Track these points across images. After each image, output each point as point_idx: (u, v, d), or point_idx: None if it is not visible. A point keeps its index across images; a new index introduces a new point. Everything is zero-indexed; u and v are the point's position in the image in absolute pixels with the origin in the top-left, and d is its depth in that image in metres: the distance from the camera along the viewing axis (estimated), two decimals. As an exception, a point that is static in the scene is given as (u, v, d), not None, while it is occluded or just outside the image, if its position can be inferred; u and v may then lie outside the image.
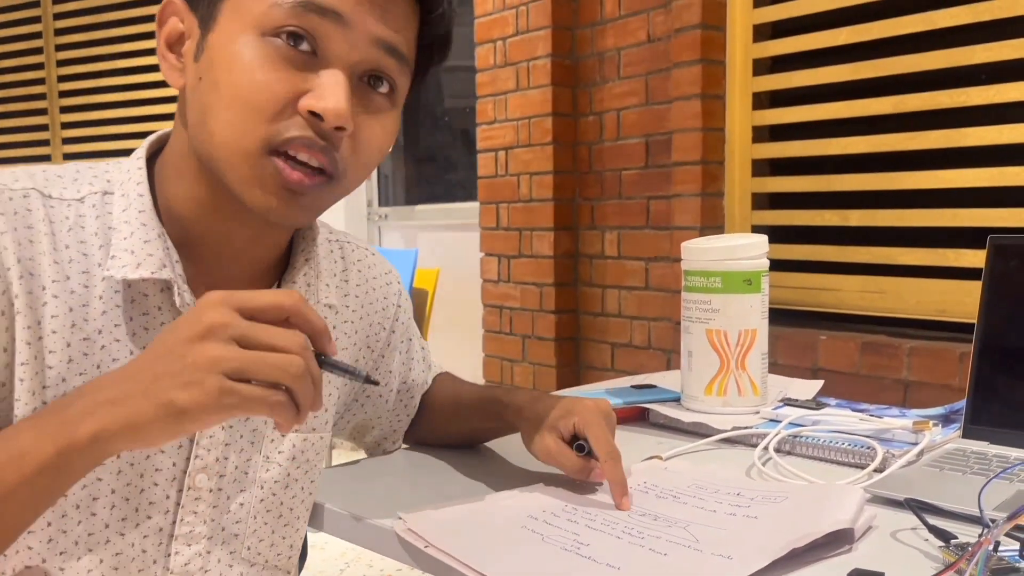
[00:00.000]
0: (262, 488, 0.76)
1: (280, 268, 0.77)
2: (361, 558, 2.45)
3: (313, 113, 0.63)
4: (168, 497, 0.69)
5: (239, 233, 0.71)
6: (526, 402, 0.86)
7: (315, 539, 2.35)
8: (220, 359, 0.53)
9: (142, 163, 0.71)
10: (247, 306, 0.56)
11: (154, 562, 0.69)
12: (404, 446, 0.99)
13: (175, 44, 0.69)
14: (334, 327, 0.83)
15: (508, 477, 0.87)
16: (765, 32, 2.25)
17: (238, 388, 0.53)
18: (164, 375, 0.54)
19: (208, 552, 0.72)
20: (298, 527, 0.81)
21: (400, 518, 0.74)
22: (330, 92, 0.63)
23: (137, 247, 0.66)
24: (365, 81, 0.67)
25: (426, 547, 0.69)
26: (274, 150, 0.64)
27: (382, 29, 0.65)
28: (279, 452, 0.77)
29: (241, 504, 0.74)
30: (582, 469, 0.80)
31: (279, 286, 0.76)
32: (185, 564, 0.71)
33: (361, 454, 0.99)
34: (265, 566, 0.78)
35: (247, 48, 0.63)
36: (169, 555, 0.70)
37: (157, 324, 0.68)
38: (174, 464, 0.70)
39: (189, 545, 0.71)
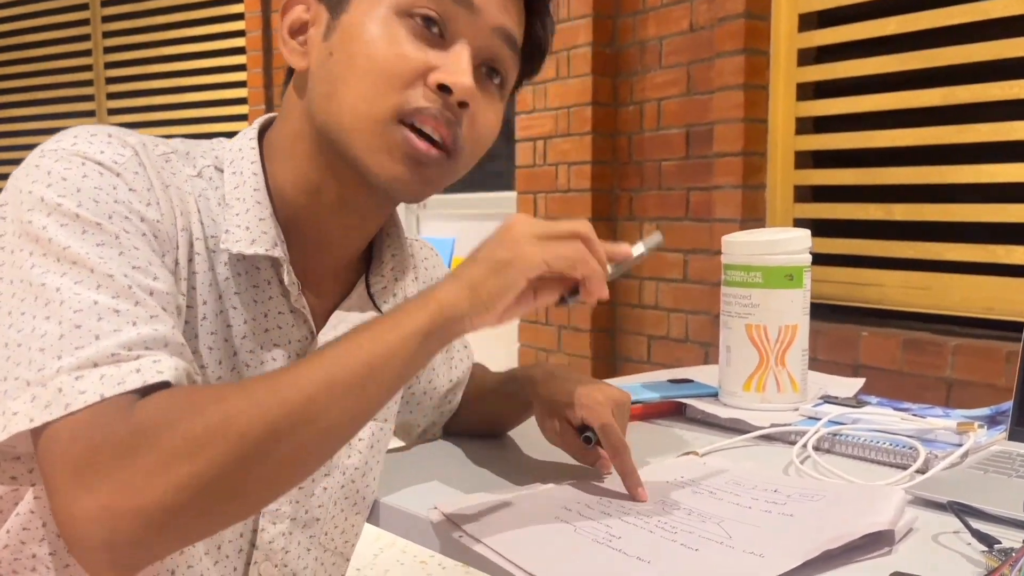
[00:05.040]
0: (344, 474, 0.78)
1: (365, 260, 0.80)
2: (395, 543, 2.47)
3: (441, 87, 0.66)
4: None
5: (337, 221, 0.73)
6: (540, 378, 0.87)
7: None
8: (530, 229, 0.65)
9: (255, 143, 0.72)
10: (551, 232, 0.66)
11: (240, 535, 0.72)
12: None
13: (296, 32, 0.71)
14: None
15: (541, 467, 0.87)
16: (811, 21, 2.21)
17: (549, 239, 0.65)
18: (489, 250, 0.65)
19: (290, 533, 0.74)
20: (365, 515, 0.83)
21: (435, 508, 0.74)
22: (458, 68, 0.66)
23: (252, 223, 0.69)
24: (483, 72, 0.70)
25: (460, 536, 0.69)
26: (402, 119, 0.66)
27: (505, 18, 0.69)
28: (359, 439, 0.79)
29: (325, 488, 0.77)
30: (586, 457, 0.82)
31: (367, 279, 0.79)
32: (269, 542, 0.73)
33: (394, 443, 1.00)
34: (335, 552, 0.80)
35: (383, 25, 0.66)
36: (256, 531, 0.72)
37: (266, 297, 0.71)
38: None
39: (275, 524, 0.73)
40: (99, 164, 0.60)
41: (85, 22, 4.15)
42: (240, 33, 3.70)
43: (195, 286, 0.66)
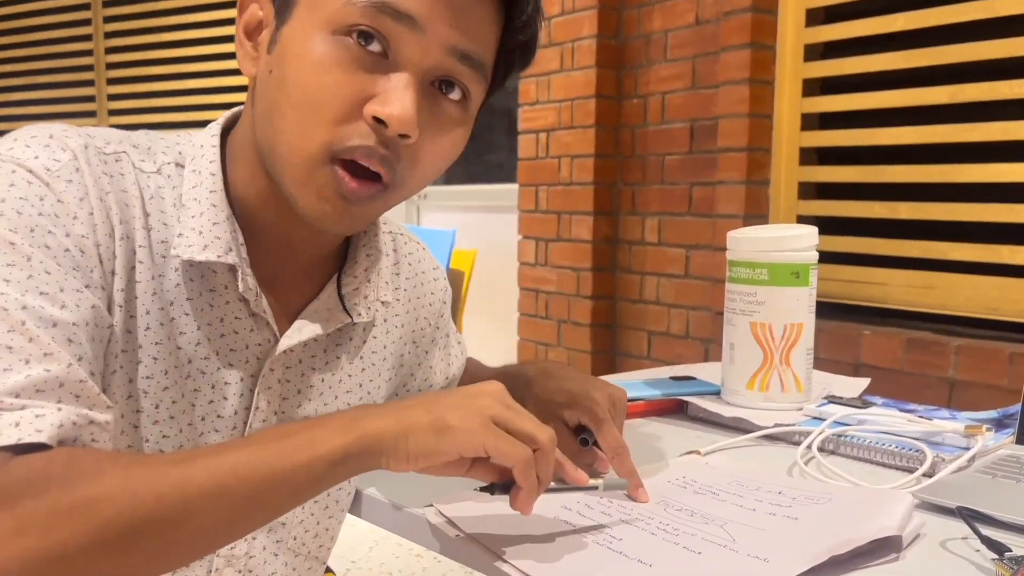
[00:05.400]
0: None
1: (338, 258, 0.77)
2: (391, 536, 2.45)
3: (378, 119, 0.61)
4: None
5: (298, 229, 0.70)
6: (535, 376, 0.84)
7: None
8: (493, 409, 0.62)
9: (216, 140, 0.70)
10: (510, 424, 0.62)
11: None
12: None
13: (253, 32, 0.68)
14: (385, 320, 0.82)
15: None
16: (818, 17, 2.19)
17: (499, 428, 0.61)
18: (446, 405, 0.61)
19: (253, 538, 0.73)
20: (340, 519, 0.81)
21: (432, 506, 0.73)
22: (396, 98, 0.61)
23: (205, 227, 0.66)
24: (436, 86, 0.65)
25: (458, 535, 0.68)
26: (335, 157, 0.62)
27: (457, 36, 0.63)
28: None
29: None
30: (583, 458, 0.79)
31: (339, 278, 0.76)
32: (231, 548, 0.71)
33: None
34: (307, 556, 0.78)
35: (318, 46, 0.61)
36: None
37: (222, 302, 0.68)
38: None
39: None
40: (30, 172, 0.59)
41: (86, 6, 4.12)
42: (242, 20, 3.67)
43: (137, 295, 0.64)
